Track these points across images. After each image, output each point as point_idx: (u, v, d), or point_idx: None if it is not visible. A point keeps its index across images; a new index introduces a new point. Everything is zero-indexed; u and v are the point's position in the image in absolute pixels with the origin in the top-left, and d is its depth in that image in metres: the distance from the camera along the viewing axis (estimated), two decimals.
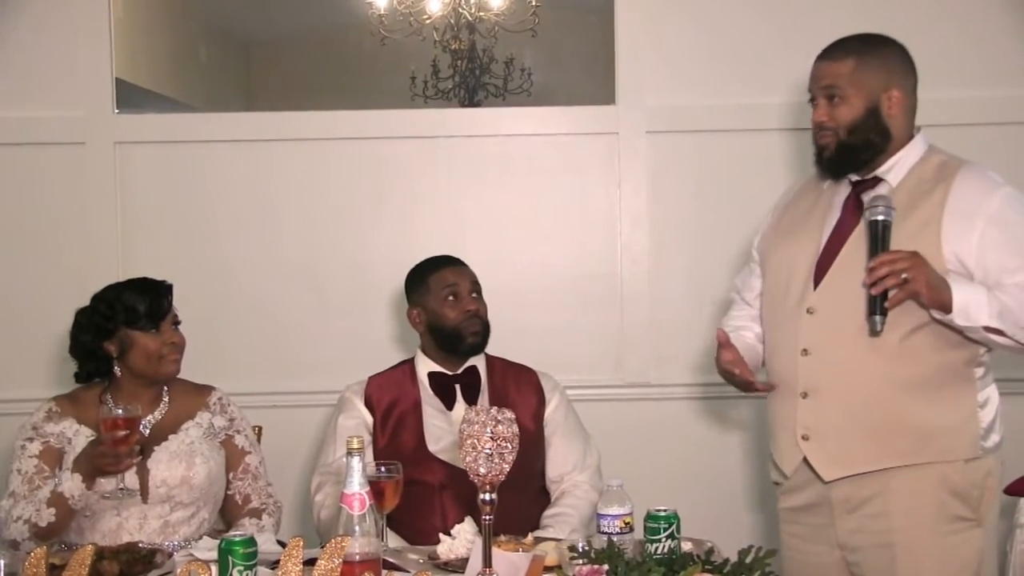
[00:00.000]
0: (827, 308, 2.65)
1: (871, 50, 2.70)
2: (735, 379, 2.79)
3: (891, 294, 2.49)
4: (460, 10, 5.23)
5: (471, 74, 5.46)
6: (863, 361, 2.61)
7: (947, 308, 2.50)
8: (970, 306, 2.49)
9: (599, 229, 4.20)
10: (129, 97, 4.37)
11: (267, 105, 5.65)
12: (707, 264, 4.13)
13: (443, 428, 3.18)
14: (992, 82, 4.08)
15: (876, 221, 2.56)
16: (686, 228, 4.18)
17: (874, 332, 2.55)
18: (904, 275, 2.46)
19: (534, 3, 4.99)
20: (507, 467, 2.15)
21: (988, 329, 2.51)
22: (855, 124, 2.66)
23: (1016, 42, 4.08)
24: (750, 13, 4.13)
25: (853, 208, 2.71)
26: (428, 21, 5.25)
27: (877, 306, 2.51)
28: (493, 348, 3.33)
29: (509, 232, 4.20)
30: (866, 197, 2.67)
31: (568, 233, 4.21)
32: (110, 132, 4.15)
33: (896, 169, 2.69)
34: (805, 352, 2.67)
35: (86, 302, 3.03)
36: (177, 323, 3.04)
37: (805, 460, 2.71)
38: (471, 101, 5.42)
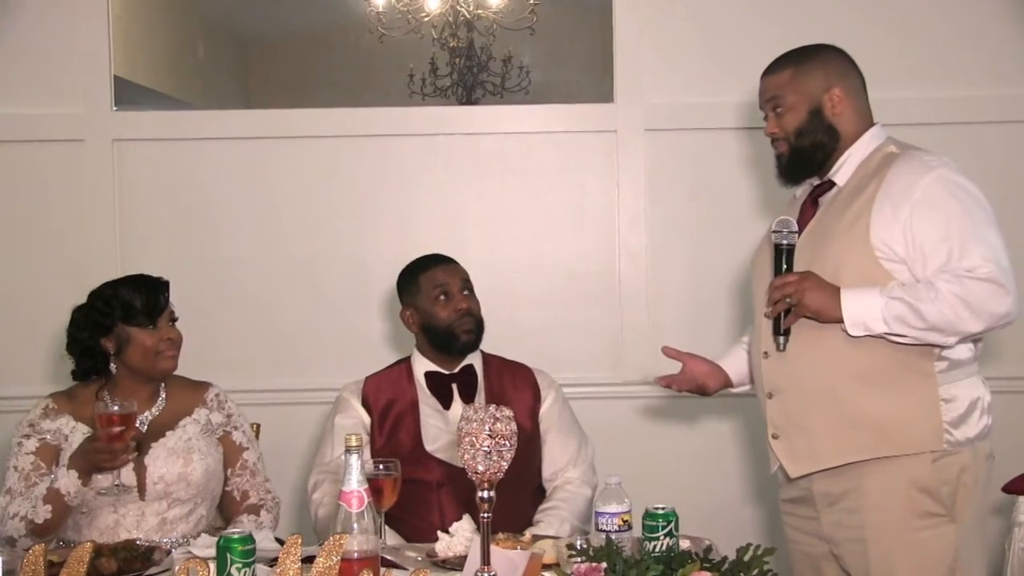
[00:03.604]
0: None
1: (806, 57, 2.78)
2: (706, 390, 3.01)
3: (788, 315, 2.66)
4: (458, 8, 5.23)
5: (469, 72, 5.47)
6: (816, 358, 2.66)
7: (839, 322, 2.58)
8: (864, 317, 2.56)
9: (597, 227, 4.20)
10: (127, 94, 4.38)
11: (265, 102, 5.67)
12: (705, 262, 4.14)
13: (440, 427, 3.18)
14: (988, 81, 4.08)
15: (779, 245, 2.70)
16: (684, 226, 4.18)
17: (779, 350, 2.69)
18: (789, 299, 2.61)
19: (532, 1, 5.00)
20: (505, 465, 2.15)
21: (890, 334, 2.55)
22: (801, 128, 2.75)
23: (1012, 41, 4.08)
24: (748, 11, 4.14)
25: (810, 212, 2.79)
26: (426, 19, 5.26)
27: (778, 326, 2.68)
28: (491, 346, 3.33)
29: (507, 230, 4.20)
30: (823, 200, 2.77)
31: (566, 231, 4.21)
32: (108, 129, 4.15)
33: (844, 169, 2.75)
34: (766, 355, 2.75)
35: (84, 299, 3.03)
36: (174, 319, 3.03)
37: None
38: (469, 99, 5.43)
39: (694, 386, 2.99)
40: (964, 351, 2.65)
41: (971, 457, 2.63)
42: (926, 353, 2.61)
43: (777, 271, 2.69)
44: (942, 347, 2.59)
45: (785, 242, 2.69)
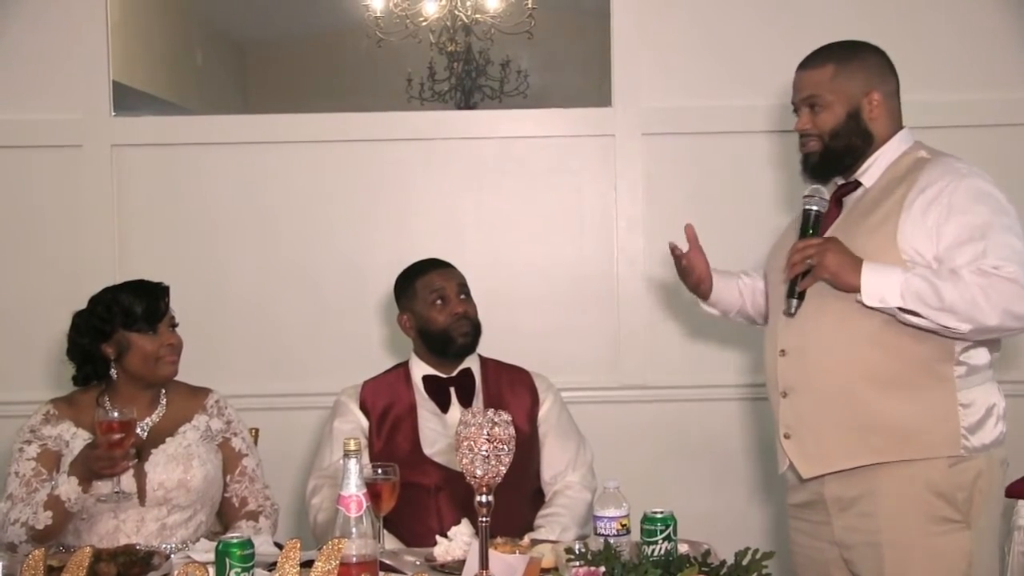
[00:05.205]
0: (803, 309, 2.69)
1: (849, 55, 2.75)
2: (689, 279, 3.04)
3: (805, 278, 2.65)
4: (456, 12, 5.24)
5: (467, 76, 5.47)
6: (835, 359, 2.64)
7: (856, 290, 2.56)
8: (882, 289, 2.53)
9: (595, 231, 4.20)
10: (126, 100, 4.37)
11: (263, 107, 5.66)
12: None
13: (438, 431, 3.19)
14: (988, 85, 4.09)
15: (808, 210, 2.70)
16: (682, 230, 4.17)
17: (787, 313, 2.68)
18: (809, 260, 2.60)
19: (530, 5, 5.00)
20: (503, 469, 2.15)
21: (903, 310, 2.53)
22: (837, 129, 2.72)
23: (1011, 45, 4.09)
24: (746, 15, 4.14)
25: (834, 212, 2.77)
26: (424, 23, 5.26)
27: (793, 289, 2.66)
28: (490, 350, 3.33)
29: (505, 234, 4.21)
30: (847, 200, 2.76)
31: (564, 235, 4.21)
32: (107, 135, 4.15)
33: (872, 170, 2.74)
34: (783, 352, 2.73)
35: (83, 305, 3.03)
36: (174, 325, 3.04)
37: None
38: (467, 103, 5.42)
39: (694, 275, 3.01)
40: (982, 356, 2.65)
41: (986, 463, 2.63)
42: (946, 357, 2.60)
43: (803, 235, 2.69)
44: (958, 338, 2.56)
45: (815, 208, 2.69)
